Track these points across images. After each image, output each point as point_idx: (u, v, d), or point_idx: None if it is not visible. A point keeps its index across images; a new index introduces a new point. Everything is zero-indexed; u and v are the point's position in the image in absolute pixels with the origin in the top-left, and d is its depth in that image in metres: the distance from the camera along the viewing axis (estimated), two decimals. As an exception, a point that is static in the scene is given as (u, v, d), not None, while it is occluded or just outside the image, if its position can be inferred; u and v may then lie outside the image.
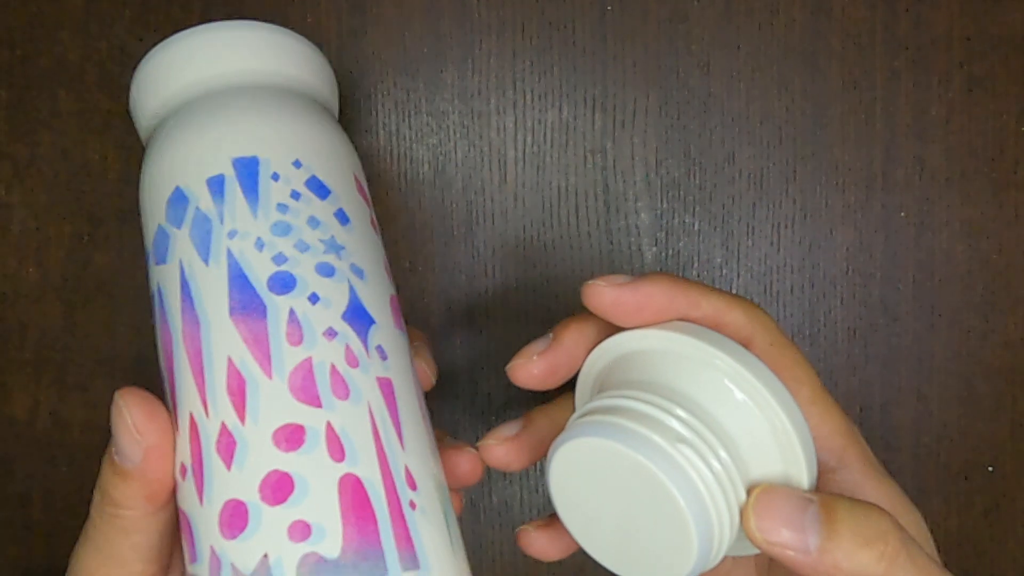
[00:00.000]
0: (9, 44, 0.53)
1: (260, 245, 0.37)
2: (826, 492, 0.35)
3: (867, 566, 0.32)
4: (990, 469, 0.55)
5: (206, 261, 0.37)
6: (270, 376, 0.35)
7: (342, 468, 0.35)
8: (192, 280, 0.37)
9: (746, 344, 0.37)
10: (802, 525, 0.33)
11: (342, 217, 0.40)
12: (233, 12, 0.53)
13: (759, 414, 0.34)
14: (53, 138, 0.54)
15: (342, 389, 0.36)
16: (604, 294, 0.37)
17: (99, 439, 0.55)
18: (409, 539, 0.35)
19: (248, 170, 0.38)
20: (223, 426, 0.35)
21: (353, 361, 0.37)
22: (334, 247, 0.39)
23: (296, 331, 0.36)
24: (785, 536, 0.33)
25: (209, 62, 0.42)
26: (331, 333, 0.37)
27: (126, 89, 0.53)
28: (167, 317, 0.38)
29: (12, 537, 0.55)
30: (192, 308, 0.37)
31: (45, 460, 0.55)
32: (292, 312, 0.36)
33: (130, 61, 0.53)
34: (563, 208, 0.54)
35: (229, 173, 0.38)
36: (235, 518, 0.34)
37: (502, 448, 0.42)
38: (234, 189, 0.38)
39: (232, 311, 0.36)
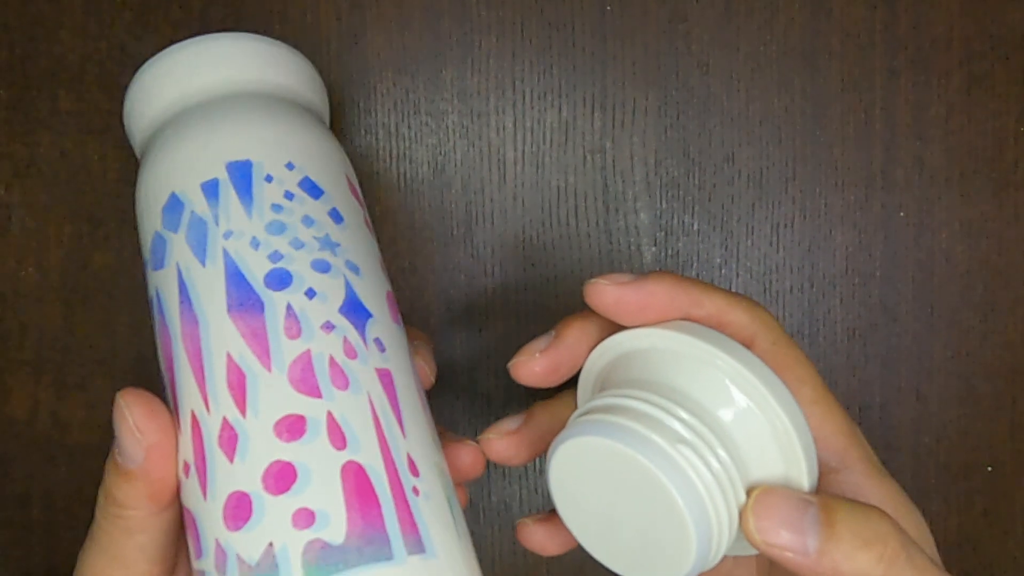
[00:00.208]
0: (9, 44, 0.53)
1: (256, 244, 0.38)
2: (826, 493, 0.35)
3: (867, 568, 0.32)
4: (990, 469, 0.55)
5: (203, 262, 0.38)
6: (269, 369, 0.36)
7: (344, 456, 0.35)
8: (190, 281, 0.38)
9: (748, 344, 0.37)
10: (801, 527, 0.33)
11: (336, 216, 0.40)
12: (232, 12, 0.53)
13: (760, 415, 0.34)
14: (53, 138, 0.54)
15: (341, 379, 0.36)
16: (607, 293, 0.37)
17: (99, 439, 0.55)
18: (413, 523, 0.35)
19: (242, 173, 0.39)
20: (224, 420, 0.36)
21: (351, 353, 0.37)
22: (329, 244, 0.39)
23: (294, 325, 0.37)
24: (784, 538, 0.33)
25: (200, 74, 0.43)
26: (329, 326, 0.37)
27: (126, 89, 0.53)
28: (166, 320, 0.38)
29: (12, 537, 0.55)
30: (191, 308, 0.37)
31: (45, 460, 0.55)
32: (289, 307, 0.37)
33: (130, 61, 0.53)
34: (563, 208, 0.54)
35: (223, 177, 0.39)
36: (239, 509, 0.34)
37: (503, 442, 0.42)
38: (228, 192, 0.39)
39: (230, 308, 0.37)
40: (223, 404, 0.36)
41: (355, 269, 0.39)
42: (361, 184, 0.47)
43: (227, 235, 0.38)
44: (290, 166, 0.40)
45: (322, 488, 0.34)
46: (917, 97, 0.53)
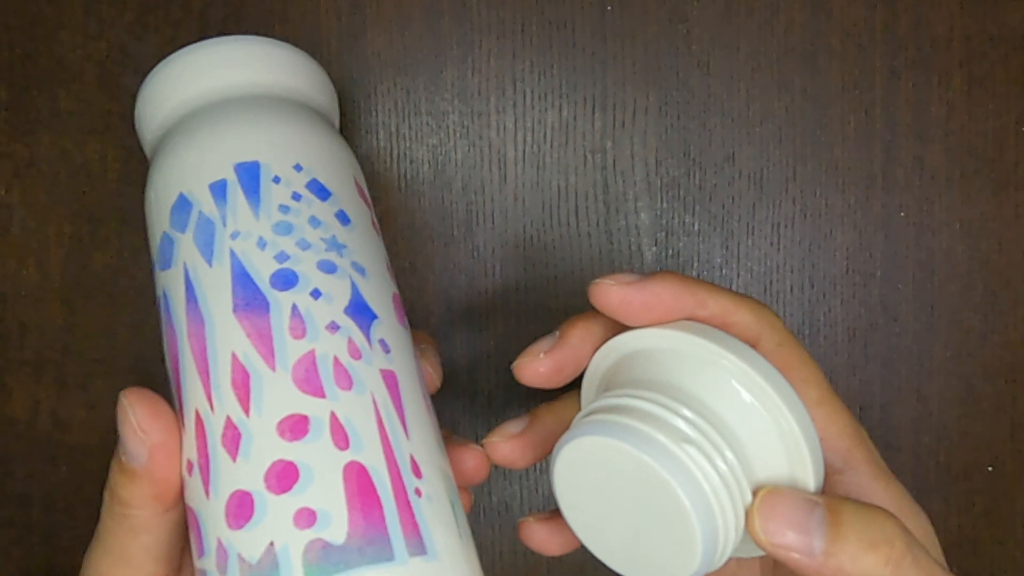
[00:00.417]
0: (9, 44, 0.53)
1: (262, 244, 0.38)
2: (832, 494, 0.35)
3: (872, 569, 0.32)
4: (990, 469, 0.55)
5: (210, 262, 0.38)
6: (274, 369, 0.36)
7: (347, 456, 0.35)
8: (196, 281, 0.38)
9: (753, 344, 0.37)
10: (807, 528, 0.33)
11: (343, 218, 0.40)
12: (232, 12, 0.53)
13: (765, 415, 0.34)
14: (53, 138, 0.54)
15: (345, 380, 0.36)
16: (611, 293, 0.37)
17: (99, 439, 0.55)
18: (415, 525, 0.35)
19: (249, 174, 0.39)
20: (228, 419, 0.36)
21: (356, 353, 0.37)
22: (335, 245, 0.39)
23: (299, 325, 0.37)
24: (790, 538, 0.33)
25: (209, 76, 0.43)
26: (333, 327, 0.37)
27: (126, 89, 0.53)
28: (172, 320, 0.39)
29: (12, 537, 0.55)
30: (196, 308, 0.38)
31: (45, 460, 0.55)
32: (295, 307, 0.37)
33: (130, 61, 0.53)
34: (563, 208, 0.54)
35: (231, 178, 0.39)
36: (241, 508, 0.34)
37: (507, 445, 0.42)
38: (236, 192, 0.39)
39: (236, 308, 0.37)
40: (227, 403, 0.36)
41: (361, 270, 0.39)
42: (363, 184, 0.47)
43: (234, 235, 0.38)
44: (298, 168, 0.40)
45: (324, 488, 0.34)
46: (917, 97, 0.53)
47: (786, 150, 0.54)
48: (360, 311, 0.38)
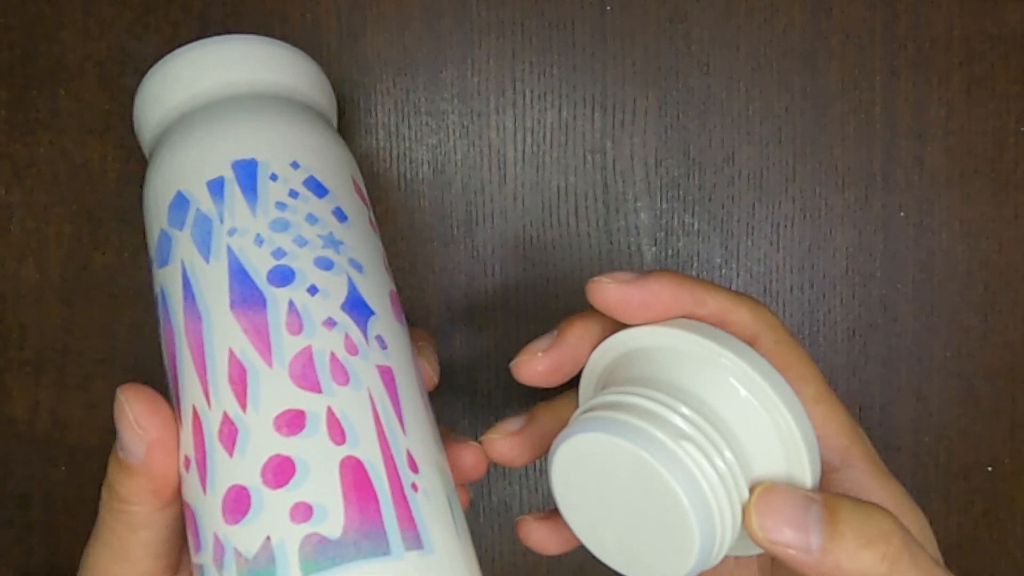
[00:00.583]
0: (9, 44, 0.53)
1: (259, 241, 0.38)
2: (829, 492, 0.35)
3: (869, 567, 0.32)
4: (990, 469, 0.55)
5: (207, 259, 0.38)
6: (270, 364, 0.36)
7: (343, 451, 0.35)
8: (193, 278, 0.38)
9: (751, 342, 0.37)
10: (805, 524, 0.33)
11: (340, 215, 0.40)
12: (232, 12, 0.53)
13: (763, 412, 0.34)
14: (53, 138, 0.54)
15: (342, 375, 0.37)
16: (609, 291, 0.37)
17: (99, 439, 0.55)
18: (412, 519, 0.35)
19: (247, 171, 0.39)
20: (225, 415, 0.36)
21: (352, 349, 0.37)
22: (332, 242, 0.39)
23: (296, 321, 0.37)
24: (787, 535, 0.33)
25: (207, 75, 0.43)
26: (330, 323, 0.37)
27: (126, 89, 0.53)
28: (170, 316, 0.39)
29: (12, 537, 0.55)
30: (194, 304, 0.38)
31: (45, 460, 0.55)
32: (291, 303, 0.37)
33: (130, 61, 0.53)
34: (563, 208, 0.54)
35: (228, 175, 0.39)
36: (237, 503, 0.35)
37: (506, 443, 0.42)
38: (233, 190, 0.39)
39: (233, 304, 0.37)
40: (224, 399, 0.36)
41: (358, 267, 0.40)
42: (362, 184, 0.47)
43: (231, 232, 0.38)
44: (295, 165, 0.40)
45: (320, 482, 0.35)
46: (917, 97, 0.53)
47: (786, 150, 0.54)
48: (357, 307, 0.38)
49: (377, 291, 0.40)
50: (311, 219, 0.39)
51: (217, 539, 0.35)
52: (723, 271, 0.54)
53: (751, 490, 0.34)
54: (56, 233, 0.54)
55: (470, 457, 0.42)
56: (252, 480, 0.35)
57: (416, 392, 0.39)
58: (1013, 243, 0.54)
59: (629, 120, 0.54)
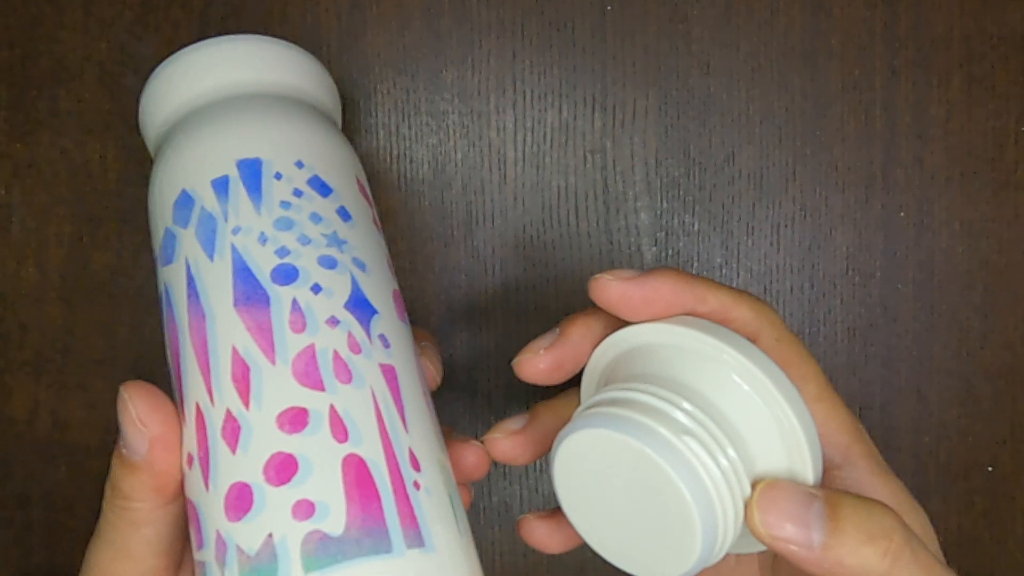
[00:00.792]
0: (9, 44, 0.53)
1: (263, 239, 0.38)
2: (831, 488, 0.35)
3: (871, 563, 0.32)
4: (990, 469, 0.55)
5: (211, 257, 0.38)
6: (273, 362, 0.36)
7: (345, 448, 0.35)
8: (198, 276, 0.38)
9: (752, 340, 0.37)
10: (806, 520, 0.33)
11: (344, 214, 0.40)
12: (232, 12, 0.53)
13: (765, 409, 0.34)
14: (53, 138, 0.54)
15: (345, 373, 0.37)
16: (611, 288, 0.37)
17: (99, 439, 0.55)
18: (413, 517, 0.35)
19: (251, 170, 0.39)
20: (228, 412, 0.36)
21: (355, 348, 0.37)
22: (336, 241, 0.39)
23: (299, 319, 0.37)
24: (789, 531, 0.33)
25: (212, 75, 0.43)
26: (333, 321, 0.37)
27: (126, 89, 0.53)
28: (174, 314, 0.39)
29: (12, 537, 0.55)
30: (198, 302, 0.38)
31: (45, 460, 0.55)
32: (295, 301, 0.37)
33: (130, 61, 0.53)
34: (563, 208, 0.54)
35: (233, 174, 0.39)
36: (240, 500, 0.35)
37: (508, 442, 0.42)
38: (238, 188, 0.39)
39: (236, 302, 0.37)
40: (227, 396, 0.36)
41: (362, 266, 0.40)
42: (363, 184, 0.47)
43: (236, 231, 0.38)
44: (299, 164, 0.40)
45: (323, 480, 0.35)
46: (917, 97, 0.53)
47: (786, 150, 0.54)
48: (360, 306, 0.38)
49: (380, 290, 0.40)
50: (315, 218, 0.39)
51: (219, 536, 0.35)
52: (723, 271, 0.54)
53: (753, 486, 0.34)
54: (56, 233, 0.54)
55: (472, 456, 0.42)
56: (254, 477, 0.35)
57: (418, 391, 0.39)
58: (1013, 243, 0.54)
59: (629, 120, 0.54)
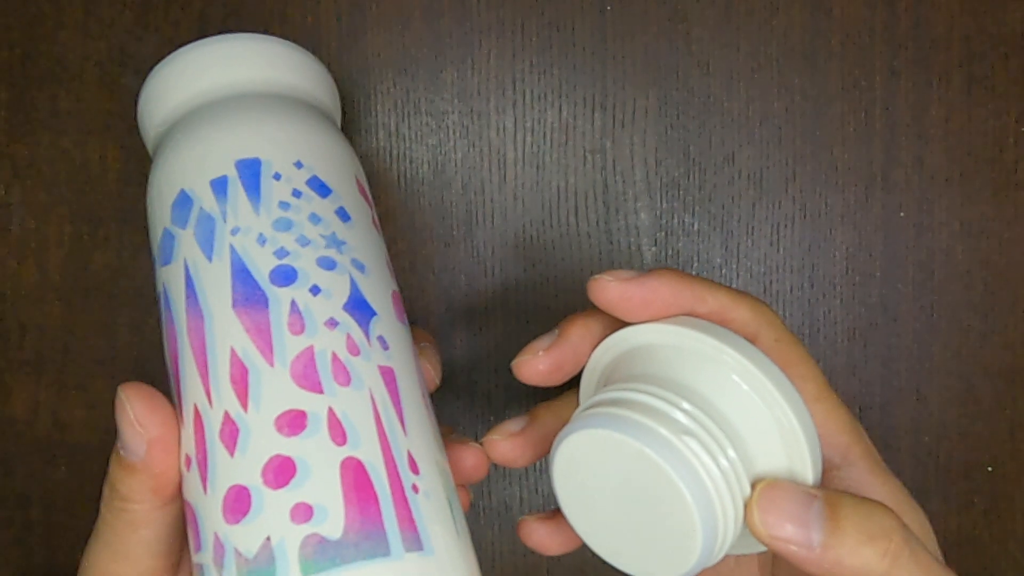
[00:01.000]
0: (9, 44, 0.54)
1: (262, 240, 0.38)
2: (831, 488, 0.35)
3: (870, 563, 0.32)
4: (990, 469, 0.55)
5: (209, 257, 0.38)
6: (272, 364, 0.36)
7: (344, 451, 0.35)
8: (196, 276, 0.38)
9: (751, 340, 0.37)
10: (806, 520, 0.33)
11: (343, 215, 0.40)
12: (232, 12, 0.53)
13: (765, 409, 0.34)
14: (53, 138, 0.54)
15: (343, 376, 0.37)
16: (610, 289, 0.37)
17: (99, 439, 0.55)
18: (412, 521, 0.35)
19: (250, 171, 0.39)
20: (226, 414, 0.36)
21: (354, 349, 0.37)
22: (335, 242, 0.39)
23: (297, 321, 0.37)
24: (789, 531, 0.33)
25: (211, 74, 0.43)
26: (332, 323, 0.37)
27: (126, 89, 0.53)
28: (172, 315, 0.39)
29: (12, 537, 0.55)
30: (196, 303, 0.38)
31: (45, 460, 0.55)
32: (293, 303, 0.37)
33: (130, 61, 0.53)
34: (563, 208, 0.54)
35: (232, 174, 0.39)
36: (238, 503, 0.35)
37: (507, 444, 0.42)
38: (237, 189, 0.39)
39: (235, 303, 0.37)
40: (225, 398, 0.36)
41: (361, 267, 0.40)
42: (363, 184, 0.47)
43: (234, 231, 0.38)
44: (299, 165, 0.40)
45: (321, 483, 0.35)
46: (917, 97, 0.53)
47: (786, 150, 0.54)
48: (359, 307, 0.38)
49: (379, 291, 0.40)
50: (314, 219, 0.39)
51: (217, 539, 0.35)
52: (723, 271, 0.54)
53: (753, 487, 0.34)
54: (56, 233, 0.54)
55: (471, 458, 0.42)
56: (253, 480, 0.35)
57: (417, 393, 0.39)
58: (1013, 243, 0.54)
59: (629, 120, 0.54)
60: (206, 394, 0.36)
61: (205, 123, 0.41)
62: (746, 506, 0.34)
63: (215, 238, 0.38)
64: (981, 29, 0.53)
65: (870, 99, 0.53)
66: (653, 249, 0.54)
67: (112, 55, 0.53)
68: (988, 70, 0.53)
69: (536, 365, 0.40)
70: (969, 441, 0.55)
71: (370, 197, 0.44)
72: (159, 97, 0.44)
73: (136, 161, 0.54)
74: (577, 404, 0.42)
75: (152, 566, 0.39)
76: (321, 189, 0.40)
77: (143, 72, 0.53)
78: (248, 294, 0.37)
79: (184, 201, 0.39)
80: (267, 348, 0.36)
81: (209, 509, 0.35)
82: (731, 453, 0.34)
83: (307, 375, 0.36)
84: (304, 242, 0.38)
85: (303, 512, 0.34)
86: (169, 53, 0.44)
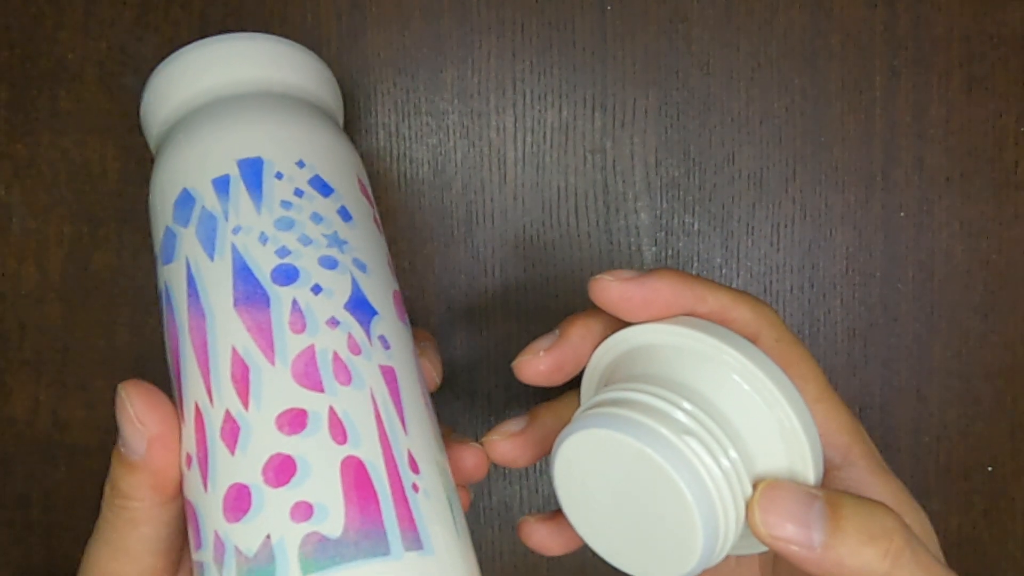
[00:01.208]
0: (9, 44, 0.53)
1: (264, 239, 0.38)
2: (832, 488, 0.35)
3: (871, 563, 0.32)
4: (990, 469, 0.55)
5: (211, 256, 0.38)
6: (273, 363, 0.36)
7: (344, 450, 0.35)
8: (198, 275, 0.38)
9: (752, 340, 0.37)
10: (807, 520, 0.33)
11: (345, 214, 0.40)
12: (232, 12, 0.53)
13: (766, 409, 0.34)
14: (53, 138, 0.54)
15: (344, 375, 0.37)
16: (611, 288, 0.37)
17: (99, 439, 0.55)
18: (412, 520, 0.35)
19: (252, 170, 0.39)
20: (227, 413, 0.36)
21: (355, 349, 0.37)
22: (337, 241, 0.39)
23: (299, 320, 0.37)
24: (790, 531, 0.33)
25: (214, 73, 0.43)
26: (333, 322, 0.37)
27: (126, 89, 0.53)
28: (174, 313, 0.39)
29: (12, 537, 0.55)
30: (198, 302, 0.38)
31: (45, 460, 0.55)
32: (295, 302, 0.37)
33: (130, 61, 0.53)
34: (563, 208, 0.54)
35: (234, 173, 0.39)
36: (238, 501, 0.35)
37: (507, 444, 0.42)
38: (239, 188, 0.39)
39: (236, 302, 0.37)
40: (226, 396, 0.36)
41: (362, 267, 0.40)
42: (364, 183, 0.47)
43: (236, 230, 0.38)
44: (300, 164, 0.40)
45: (321, 482, 0.35)
46: (917, 97, 0.53)
47: (786, 150, 0.54)
48: (360, 307, 0.38)
49: (380, 291, 0.40)
50: (316, 218, 0.39)
51: (218, 537, 0.35)
52: (723, 271, 0.54)
53: (754, 486, 0.34)
54: (56, 233, 0.54)
55: (471, 458, 0.42)
56: (253, 478, 0.35)
57: (418, 392, 0.39)
58: (1013, 243, 0.54)
59: (629, 120, 0.54)
60: (207, 392, 0.37)
61: (207, 122, 0.41)
62: (747, 506, 0.34)
63: (217, 237, 0.38)
64: (981, 29, 0.53)
65: (870, 99, 0.53)
66: (653, 249, 0.54)
67: (112, 55, 0.53)
68: (988, 70, 0.53)
69: (537, 365, 0.40)
70: (969, 441, 0.55)
71: (371, 196, 0.44)
72: (162, 96, 0.44)
73: (136, 161, 0.54)
74: (578, 404, 0.42)
75: (152, 564, 0.39)
76: (323, 188, 0.40)
77: (143, 72, 0.53)
78: (249, 293, 0.37)
79: (186, 200, 0.40)
80: (268, 347, 0.36)
81: (209, 507, 0.35)
82: (732, 453, 0.34)
83: (308, 374, 0.36)
84: (306, 241, 0.38)
85: (303, 511, 0.34)
86: (169, 53, 0.44)
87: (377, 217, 0.44)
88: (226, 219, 0.38)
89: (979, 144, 0.53)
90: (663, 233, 0.54)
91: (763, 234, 0.54)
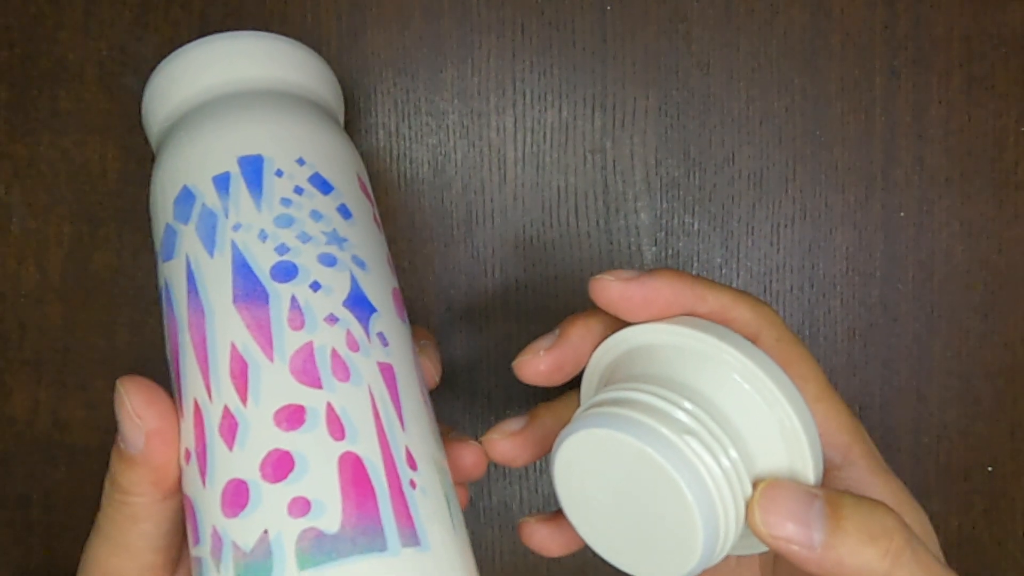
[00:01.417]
0: (9, 44, 0.53)
1: (263, 236, 0.38)
2: (832, 488, 0.35)
3: (871, 562, 0.32)
4: (990, 469, 0.55)
5: (211, 253, 0.38)
6: (272, 359, 0.36)
7: (342, 446, 0.35)
8: (198, 272, 0.38)
9: (752, 339, 0.37)
10: (807, 520, 0.33)
11: (344, 212, 0.41)
12: (232, 12, 0.53)
13: (766, 409, 0.34)
14: (53, 138, 0.54)
15: (342, 371, 0.37)
16: (611, 288, 0.37)
17: (99, 439, 0.55)
18: (409, 516, 0.35)
19: (253, 167, 0.40)
20: (225, 409, 0.36)
21: (354, 345, 0.37)
22: (336, 239, 0.39)
23: (298, 317, 0.37)
24: (790, 530, 0.33)
25: (215, 71, 0.44)
26: (332, 319, 0.37)
27: (126, 89, 0.53)
28: (174, 310, 0.39)
29: (12, 537, 0.55)
30: (197, 298, 0.38)
31: (45, 460, 0.55)
32: (294, 299, 0.37)
33: (130, 61, 0.53)
34: (563, 208, 0.54)
35: (234, 170, 0.40)
36: (236, 496, 0.35)
37: (507, 443, 0.42)
38: (239, 185, 0.39)
39: (236, 299, 0.37)
40: (225, 392, 0.36)
41: (361, 264, 0.40)
42: (364, 183, 0.47)
43: (236, 227, 0.38)
44: (301, 162, 0.40)
45: (319, 477, 0.35)
46: (917, 97, 0.53)
47: (786, 150, 0.54)
48: (359, 304, 0.39)
49: (379, 288, 0.40)
50: (315, 215, 0.39)
51: (215, 532, 0.35)
52: (723, 271, 0.54)
53: (754, 486, 0.34)
54: (56, 233, 0.54)
55: (470, 456, 0.42)
56: (251, 474, 0.35)
57: (416, 390, 0.39)
58: (1013, 243, 0.54)
59: (629, 120, 0.54)
60: (206, 388, 0.37)
61: (208, 120, 0.41)
62: (747, 506, 0.34)
63: (217, 234, 0.38)
64: (981, 29, 0.53)
65: (870, 99, 0.53)
66: (653, 249, 0.54)
67: (112, 55, 0.53)
68: (988, 70, 0.53)
69: (537, 365, 0.40)
70: (969, 441, 0.55)
71: (371, 194, 0.45)
72: (162, 94, 0.44)
73: (136, 161, 0.54)
74: (578, 404, 0.42)
75: (152, 560, 0.39)
76: (323, 186, 0.40)
77: (143, 72, 0.53)
78: (249, 290, 0.37)
79: (186, 197, 0.40)
80: (267, 343, 0.36)
81: (207, 502, 0.35)
82: (732, 453, 0.34)
83: (306, 370, 0.36)
84: (305, 239, 0.39)
85: (301, 506, 0.34)
86: (169, 53, 0.44)
87: (377, 215, 0.44)
88: (226, 216, 0.39)
89: (979, 144, 0.53)
90: (663, 233, 0.54)
91: (763, 234, 0.54)
